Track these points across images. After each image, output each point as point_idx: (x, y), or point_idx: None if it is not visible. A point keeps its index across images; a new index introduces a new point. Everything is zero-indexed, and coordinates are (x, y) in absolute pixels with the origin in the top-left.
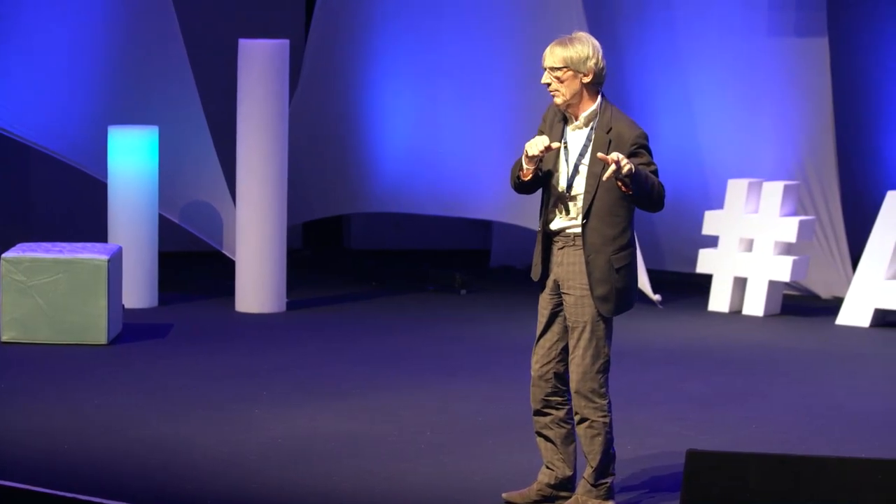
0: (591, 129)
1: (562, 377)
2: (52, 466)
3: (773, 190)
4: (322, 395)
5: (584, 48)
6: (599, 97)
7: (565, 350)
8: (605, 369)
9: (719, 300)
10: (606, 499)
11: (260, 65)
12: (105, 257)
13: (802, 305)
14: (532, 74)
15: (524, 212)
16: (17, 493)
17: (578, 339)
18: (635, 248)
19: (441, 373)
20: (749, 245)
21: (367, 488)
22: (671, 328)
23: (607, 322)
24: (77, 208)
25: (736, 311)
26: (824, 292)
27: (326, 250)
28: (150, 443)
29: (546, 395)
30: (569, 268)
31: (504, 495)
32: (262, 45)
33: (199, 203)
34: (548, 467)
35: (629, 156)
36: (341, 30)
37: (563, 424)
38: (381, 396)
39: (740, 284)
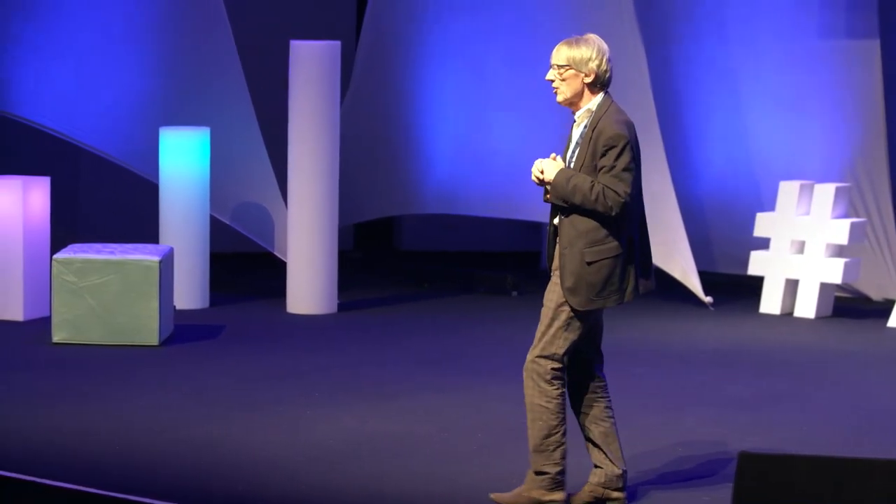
0: (585, 126)
1: (589, 373)
2: (102, 467)
3: (825, 192)
4: (372, 396)
5: (589, 50)
6: (600, 97)
7: (588, 344)
8: (557, 358)
9: (771, 302)
10: (552, 489)
11: (311, 66)
12: (157, 258)
13: (854, 308)
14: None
15: None
16: (68, 494)
17: (540, 323)
18: (624, 246)
19: (491, 375)
20: (801, 247)
21: (415, 489)
22: (722, 330)
23: (573, 314)
24: (128, 210)
25: (787, 314)
26: (876, 294)
27: (377, 252)
28: (200, 444)
29: (576, 395)
30: (559, 260)
31: (492, 496)
32: (313, 46)
33: (250, 204)
34: (596, 466)
35: (601, 155)
36: (392, 31)
37: (603, 420)
38: (430, 398)
39: (792, 286)
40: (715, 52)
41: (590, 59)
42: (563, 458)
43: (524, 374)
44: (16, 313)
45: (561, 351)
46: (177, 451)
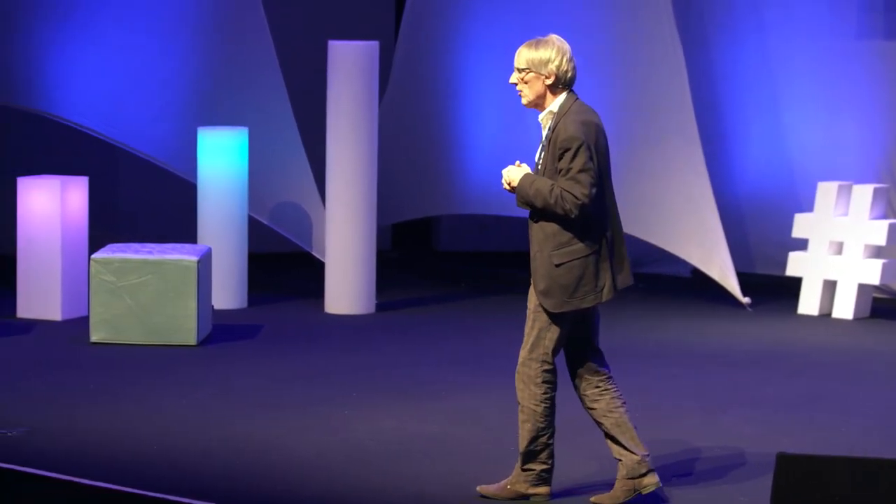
0: (549, 129)
1: (590, 370)
2: (140, 467)
3: (863, 193)
4: (409, 396)
5: (548, 51)
6: (562, 98)
7: (582, 342)
8: (542, 360)
9: (809, 303)
10: (537, 484)
11: (349, 66)
12: (195, 258)
13: (892, 308)
14: (618, 75)
15: None
16: (105, 494)
17: (525, 326)
18: (595, 245)
19: None
20: (839, 248)
21: (454, 490)
22: (760, 331)
23: (552, 315)
24: (166, 209)
25: (825, 314)
26: None
27: (415, 252)
28: (238, 444)
29: (582, 393)
30: (531, 264)
31: (592, 499)
32: (351, 46)
33: (288, 204)
34: (618, 460)
35: (558, 158)
36: (431, 31)
37: (614, 411)
38: (468, 398)
39: (830, 287)
40: (752, 54)
41: (549, 61)
42: (550, 457)
43: (516, 376)
44: (54, 313)
45: (547, 351)
46: (214, 452)
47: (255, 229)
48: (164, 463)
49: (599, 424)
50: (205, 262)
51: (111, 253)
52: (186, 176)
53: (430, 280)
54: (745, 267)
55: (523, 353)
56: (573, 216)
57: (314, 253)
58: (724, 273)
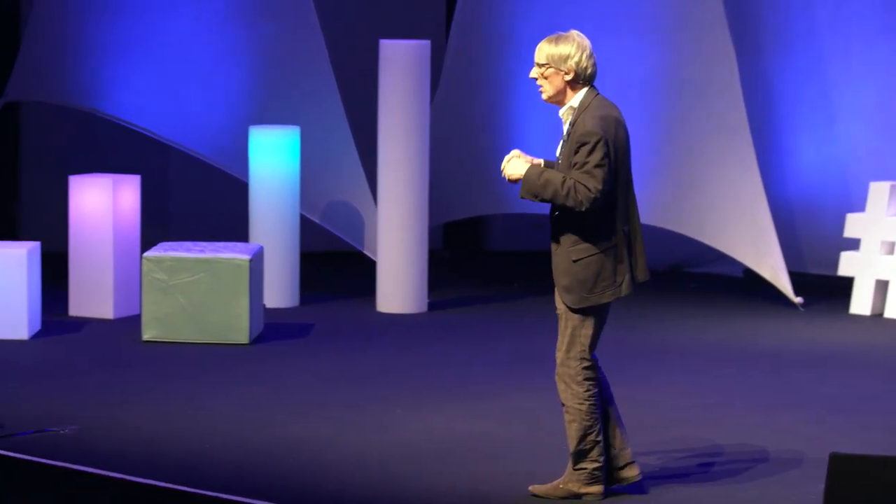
0: (570, 123)
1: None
2: (191, 465)
3: None
4: (461, 395)
5: (568, 47)
6: (583, 93)
7: None
8: (580, 358)
9: (861, 303)
10: (590, 483)
11: (401, 65)
12: (247, 257)
13: None
14: (670, 77)
15: (662, 213)
16: (157, 492)
17: (559, 327)
18: (612, 240)
19: None
20: (891, 248)
21: (506, 489)
22: (812, 331)
23: (582, 312)
24: (218, 208)
25: (878, 314)
26: None
27: (466, 251)
28: (290, 442)
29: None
30: (552, 262)
31: (531, 488)
32: (403, 45)
33: (340, 203)
34: (613, 452)
35: (574, 152)
36: (482, 30)
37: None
38: (519, 397)
39: (882, 287)
40: (804, 54)
41: (569, 57)
42: (601, 455)
43: (556, 378)
44: (106, 311)
45: (584, 348)
46: (266, 450)
47: (307, 228)
48: (216, 461)
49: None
50: (257, 261)
51: (163, 251)
52: (238, 175)
53: (481, 279)
54: (797, 267)
55: (560, 354)
56: (583, 209)
57: (366, 252)
58: (776, 273)
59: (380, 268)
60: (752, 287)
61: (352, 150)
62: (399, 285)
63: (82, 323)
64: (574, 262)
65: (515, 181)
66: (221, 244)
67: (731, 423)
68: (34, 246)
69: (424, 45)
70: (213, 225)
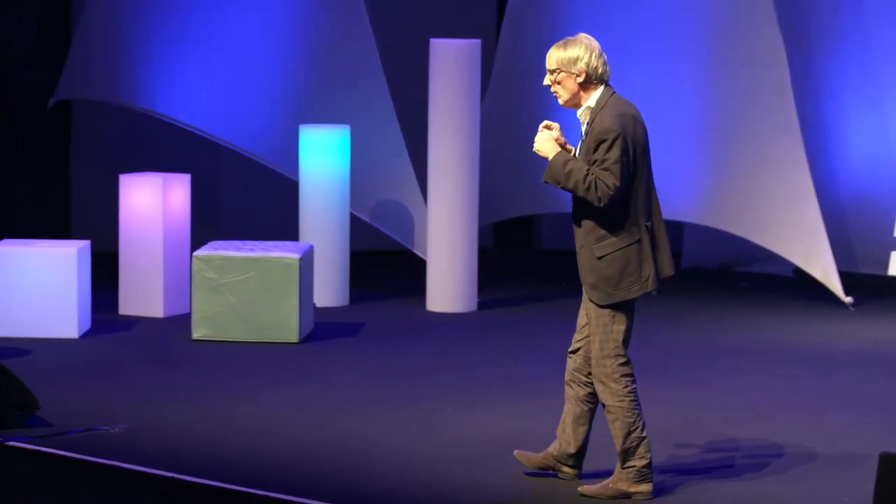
0: (587, 123)
1: (588, 360)
2: (241, 464)
3: None
4: (511, 394)
5: (576, 50)
6: (598, 92)
7: None
8: (615, 355)
9: None
10: (639, 482)
11: (451, 65)
12: (297, 256)
13: None
14: (720, 75)
15: (712, 212)
16: (207, 490)
17: (590, 326)
18: (634, 236)
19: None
20: None
21: (557, 488)
22: (863, 330)
23: (611, 308)
24: (268, 207)
25: None
26: None
27: (516, 250)
28: (340, 441)
29: (573, 369)
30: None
31: (516, 452)
32: (453, 44)
33: (390, 202)
34: (556, 437)
35: (593, 150)
36: (532, 29)
37: (581, 403)
38: None
39: None
40: (854, 53)
41: (578, 59)
42: (648, 451)
43: (593, 380)
44: (156, 310)
45: (618, 345)
46: (316, 449)
47: (357, 227)
48: (265, 460)
49: (567, 402)
50: (307, 260)
51: (213, 250)
52: (288, 174)
53: (531, 278)
54: (848, 266)
55: (594, 354)
56: (601, 205)
57: (416, 251)
58: (827, 272)
59: (429, 267)
60: (803, 286)
61: (402, 148)
62: (449, 284)
63: (132, 322)
64: (598, 259)
65: (543, 157)
66: (271, 243)
67: (781, 423)
68: (84, 245)
69: (475, 44)
70: (263, 224)
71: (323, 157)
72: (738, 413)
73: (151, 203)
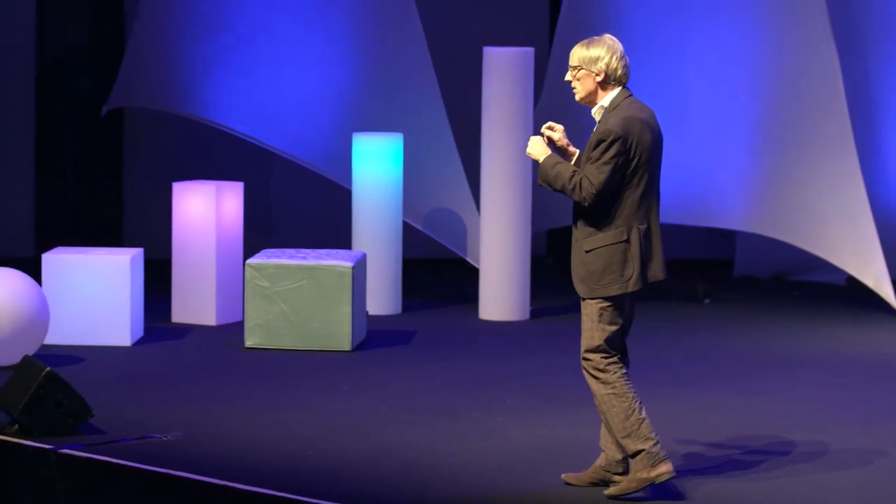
0: (599, 122)
1: None
2: (294, 472)
3: None
4: (564, 403)
5: (598, 50)
6: (614, 93)
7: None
8: (601, 350)
9: None
10: (655, 464)
11: (504, 73)
12: (349, 264)
13: None
14: (773, 83)
15: (765, 221)
16: (260, 499)
17: (582, 321)
18: (624, 235)
19: (680, 384)
20: None
21: (602, 498)
22: None
23: (599, 305)
24: (321, 215)
25: None
26: None
27: (570, 258)
28: (391, 449)
29: None
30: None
31: (563, 476)
32: (506, 52)
33: (443, 210)
34: (602, 449)
35: (592, 148)
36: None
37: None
38: None
39: None
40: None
41: (599, 59)
42: (651, 430)
43: (583, 373)
44: (209, 318)
45: (602, 342)
46: (368, 457)
47: (410, 235)
48: (318, 468)
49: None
50: (359, 268)
51: (266, 258)
52: (341, 182)
53: None
54: None
55: (582, 347)
56: (586, 204)
57: (469, 259)
58: (880, 281)
59: (482, 275)
60: (855, 295)
61: (455, 156)
62: (502, 292)
63: (185, 329)
64: (586, 252)
65: (534, 160)
66: (324, 251)
67: (833, 432)
68: (137, 252)
69: (528, 52)
70: (316, 232)
71: (376, 165)
72: (791, 421)
73: (204, 211)
